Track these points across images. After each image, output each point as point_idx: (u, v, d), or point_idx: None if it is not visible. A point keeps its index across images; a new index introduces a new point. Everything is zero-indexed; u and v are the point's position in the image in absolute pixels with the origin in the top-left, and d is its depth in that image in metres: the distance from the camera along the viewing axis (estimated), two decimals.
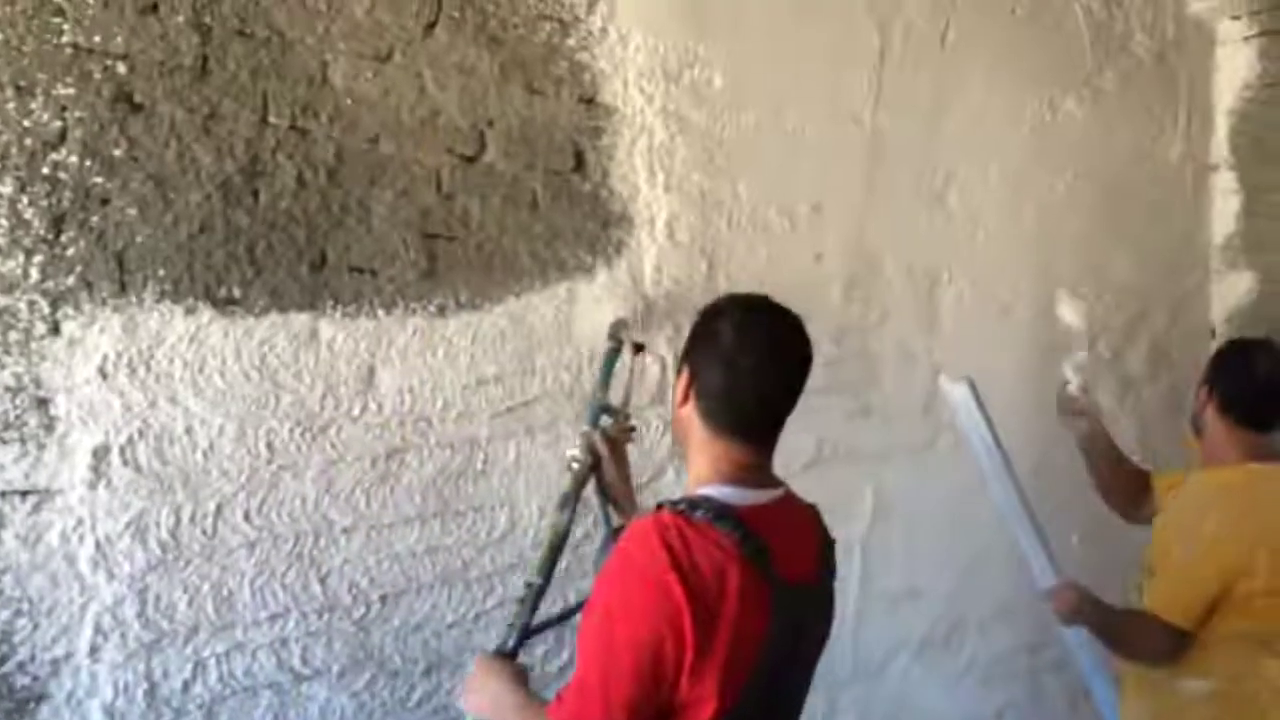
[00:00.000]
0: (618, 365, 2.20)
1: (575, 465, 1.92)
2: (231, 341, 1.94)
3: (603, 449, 1.94)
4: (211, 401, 1.92)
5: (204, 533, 1.93)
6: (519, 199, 2.24)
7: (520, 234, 2.25)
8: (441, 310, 2.15)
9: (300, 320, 2.00)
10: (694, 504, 1.44)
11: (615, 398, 2.15)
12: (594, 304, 2.33)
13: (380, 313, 2.09)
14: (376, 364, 2.09)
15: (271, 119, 1.97)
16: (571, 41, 2.30)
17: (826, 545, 1.62)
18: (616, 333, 2.25)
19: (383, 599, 2.12)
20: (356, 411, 2.07)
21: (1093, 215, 3.27)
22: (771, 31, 2.58)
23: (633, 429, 2.10)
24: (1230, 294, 3.60)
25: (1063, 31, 3.18)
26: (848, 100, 2.74)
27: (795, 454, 2.67)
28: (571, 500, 1.88)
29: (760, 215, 2.58)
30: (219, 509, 1.94)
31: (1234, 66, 3.58)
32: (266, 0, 1.95)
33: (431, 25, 2.13)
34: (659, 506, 1.46)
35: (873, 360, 2.82)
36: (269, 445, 1.98)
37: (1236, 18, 3.53)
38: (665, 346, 2.43)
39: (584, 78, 2.32)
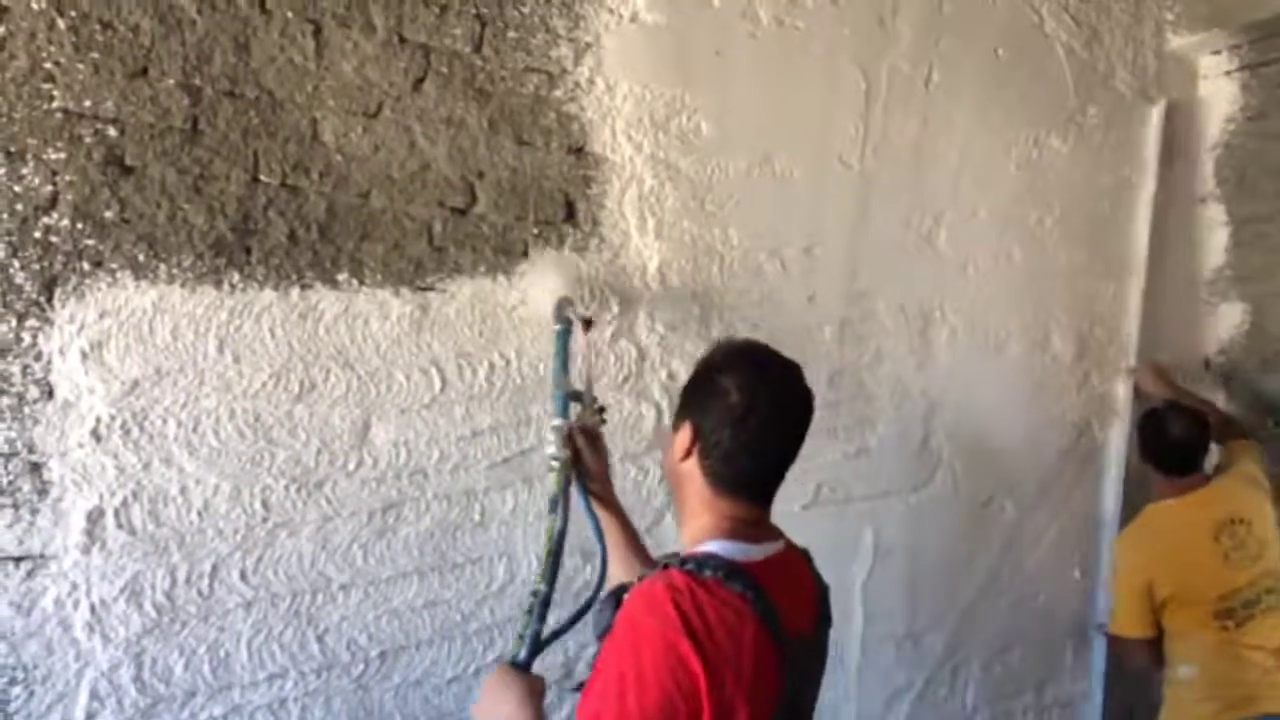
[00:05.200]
0: (572, 347, 2.12)
1: (555, 463, 1.85)
2: (225, 400, 1.93)
3: (579, 440, 1.88)
4: (206, 461, 1.92)
5: (200, 594, 1.91)
6: (511, 250, 2.25)
7: (513, 285, 2.25)
8: (435, 363, 2.15)
9: (294, 376, 2.00)
10: (701, 562, 1.40)
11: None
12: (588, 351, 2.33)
13: (375, 365, 2.08)
14: (371, 418, 2.08)
15: (263, 177, 1.98)
16: (559, 93, 2.32)
17: (822, 593, 1.60)
18: (563, 312, 2.15)
19: (381, 655, 2.10)
20: (352, 466, 2.07)
21: (1081, 250, 3.29)
22: (757, 78, 2.60)
23: (603, 412, 2.00)
24: (1222, 325, 3.61)
25: (1046, 71, 3.21)
26: (835, 144, 2.76)
27: (793, 497, 2.66)
28: (562, 500, 1.81)
29: (752, 259, 2.59)
30: (215, 569, 1.93)
31: (1216, 101, 3.61)
32: (256, 61, 1.97)
33: (420, 81, 2.15)
34: (665, 566, 1.41)
35: (868, 400, 2.82)
36: (264, 503, 1.98)
37: (1217, 53, 3.57)
38: (660, 393, 2.42)
39: (572, 128, 2.34)
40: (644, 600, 1.36)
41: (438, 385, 2.16)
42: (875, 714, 2.85)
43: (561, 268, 2.30)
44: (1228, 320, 3.60)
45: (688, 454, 1.51)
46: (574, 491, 1.86)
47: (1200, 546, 2.77)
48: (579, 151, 2.35)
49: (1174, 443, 2.89)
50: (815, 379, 2.66)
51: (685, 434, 1.52)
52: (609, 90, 2.38)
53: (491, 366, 2.22)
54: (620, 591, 1.45)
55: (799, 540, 2.63)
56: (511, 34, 2.25)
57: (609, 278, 2.38)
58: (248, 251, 1.96)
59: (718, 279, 2.54)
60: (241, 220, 1.96)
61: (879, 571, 2.84)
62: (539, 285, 2.27)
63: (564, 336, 2.11)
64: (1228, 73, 3.58)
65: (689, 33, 2.49)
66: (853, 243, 2.78)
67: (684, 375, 2.45)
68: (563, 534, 1.77)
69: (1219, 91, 3.62)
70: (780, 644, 1.38)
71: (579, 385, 2.03)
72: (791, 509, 2.66)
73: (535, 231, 2.28)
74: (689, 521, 1.53)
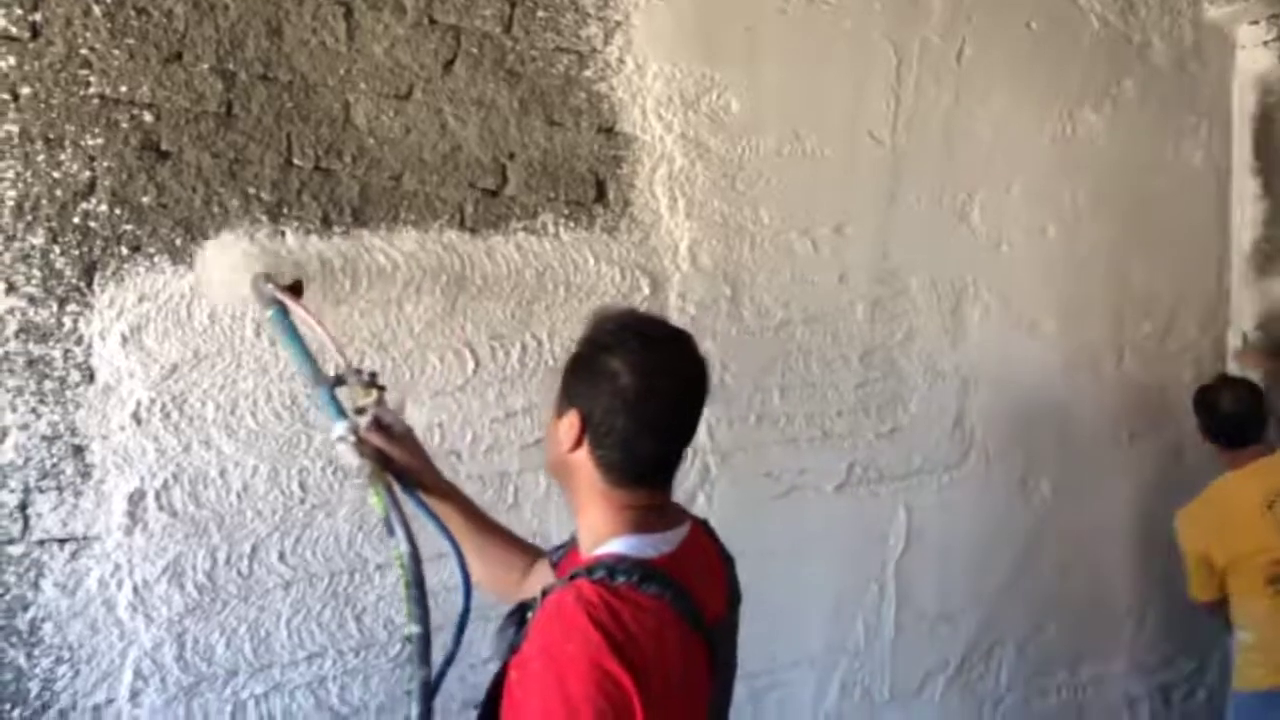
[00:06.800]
0: (299, 327, 1.74)
1: (364, 478, 1.52)
2: (263, 382, 1.95)
3: (374, 439, 1.55)
4: (244, 443, 1.94)
5: (240, 574, 1.94)
6: (542, 231, 2.25)
7: (544, 265, 2.26)
8: (469, 344, 2.16)
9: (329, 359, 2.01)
10: (611, 568, 1.27)
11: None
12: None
13: (408, 348, 2.10)
14: (405, 399, 2.09)
15: (296, 160, 1.99)
16: (589, 73, 2.31)
17: (729, 567, 1.51)
18: (265, 292, 1.78)
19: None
20: None
21: (1117, 225, 3.25)
22: (787, 55, 2.58)
23: (376, 380, 1.62)
24: (1260, 299, 3.55)
25: (1080, 43, 3.17)
26: (866, 120, 2.74)
27: (826, 477, 2.66)
28: (395, 517, 1.47)
29: (782, 238, 2.58)
30: (254, 550, 1.95)
31: (1254, 71, 3.55)
32: (288, 44, 1.97)
33: (450, 62, 2.15)
34: (572, 577, 1.28)
35: (901, 379, 2.80)
36: (302, 484, 2.00)
37: (1255, 22, 3.51)
38: None
39: (602, 108, 2.33)
40: (557, 623, 1.23)
41: (471, 367, 2.17)
42: (909, 693, 2.85)
43: (242, 242, 1.93)
44: (1266, 294, 3.55)
45: (577, 444, 1.36)
46: (401, 497, 1.54)
47: (1251, 514, 2.86)
48: (609, 131, 2.34)
49: (1226, 416, 2.99)
50: (847, 357, 2.69)
51: (571, 422, 1.36)
52: (639, 69, 2.37)
53: (524, 348, 2.23)
54: (524, 609, 1.35)
55: (836, 522, 2.67)
56: (541, 13, 2.25)
57: (639, 258, 2.38)
58: (282, 235, 1.98)
59: (749, 258, 2.53)
60: (276, 204, 1.97)
61: (912, 551, 2.83)
62: (218, 268, 1.91)
63: (282, 319, 1.73)
64: (1266, 42, 3.52)
65: (718, 10, 2.48)
66: (884, 220, 2.77)
67: (715, 355, 2.49)
68: (415, 557, 1.47)
69: (1256, 62, 3.56)
70: (704, 639, 1.31)
71: (336, 368, 1.66)
72: (825, 489, 2.66)
73: (566, 212, 2.28)
74: (584, 516, 1.40)
